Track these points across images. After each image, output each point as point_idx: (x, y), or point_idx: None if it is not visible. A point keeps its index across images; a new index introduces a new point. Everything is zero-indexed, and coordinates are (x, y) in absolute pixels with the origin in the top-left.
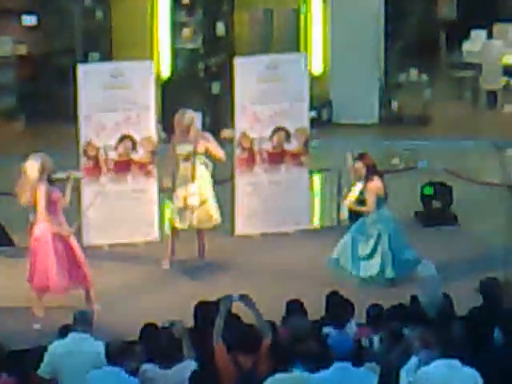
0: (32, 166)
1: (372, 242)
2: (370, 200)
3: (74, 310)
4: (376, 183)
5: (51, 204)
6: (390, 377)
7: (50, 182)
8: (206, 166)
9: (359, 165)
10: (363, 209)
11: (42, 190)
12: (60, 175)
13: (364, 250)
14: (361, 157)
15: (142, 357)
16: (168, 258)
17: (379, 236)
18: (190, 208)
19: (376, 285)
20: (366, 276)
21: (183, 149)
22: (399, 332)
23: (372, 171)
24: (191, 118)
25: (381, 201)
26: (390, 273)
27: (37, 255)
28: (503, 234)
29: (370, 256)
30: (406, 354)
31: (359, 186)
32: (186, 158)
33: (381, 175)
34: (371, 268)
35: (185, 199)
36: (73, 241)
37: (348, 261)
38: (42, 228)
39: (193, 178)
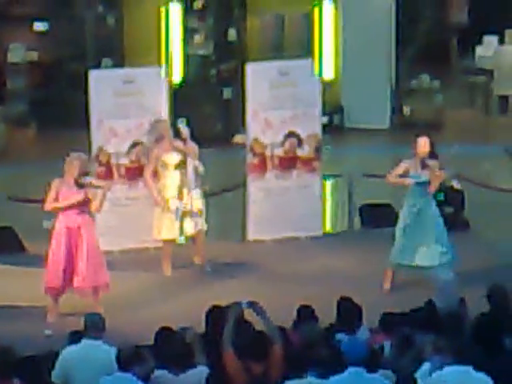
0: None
1: (428, 230)
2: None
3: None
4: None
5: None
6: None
7: (78, 184)
8: (197, 169)
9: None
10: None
11: (52, 185)
12: (86, 181)
13: (422, 238)
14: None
15: (154, 362)
16: (168, 265)
17: (431, 223)
18: (190, 214)
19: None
20: (432, 264)
21: (174, 158)
22: (410, 338)
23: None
24: (185, 129)
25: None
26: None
27: (52, 249)
28: None
29: (430, 244)
30: (417, 359)
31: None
32: (177, 166)
33: None
34: (433, 256)
35: (184, 206)
36: (90, 240)
37: (410, 256)
38: (58, 223)
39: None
